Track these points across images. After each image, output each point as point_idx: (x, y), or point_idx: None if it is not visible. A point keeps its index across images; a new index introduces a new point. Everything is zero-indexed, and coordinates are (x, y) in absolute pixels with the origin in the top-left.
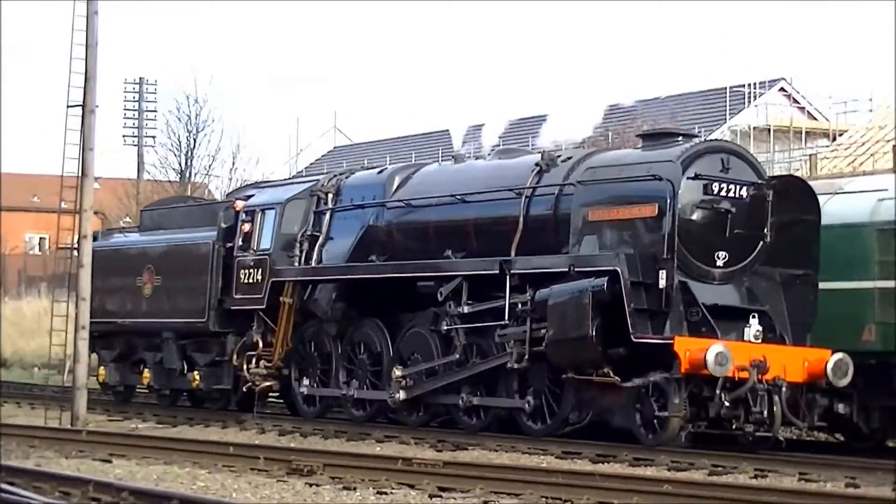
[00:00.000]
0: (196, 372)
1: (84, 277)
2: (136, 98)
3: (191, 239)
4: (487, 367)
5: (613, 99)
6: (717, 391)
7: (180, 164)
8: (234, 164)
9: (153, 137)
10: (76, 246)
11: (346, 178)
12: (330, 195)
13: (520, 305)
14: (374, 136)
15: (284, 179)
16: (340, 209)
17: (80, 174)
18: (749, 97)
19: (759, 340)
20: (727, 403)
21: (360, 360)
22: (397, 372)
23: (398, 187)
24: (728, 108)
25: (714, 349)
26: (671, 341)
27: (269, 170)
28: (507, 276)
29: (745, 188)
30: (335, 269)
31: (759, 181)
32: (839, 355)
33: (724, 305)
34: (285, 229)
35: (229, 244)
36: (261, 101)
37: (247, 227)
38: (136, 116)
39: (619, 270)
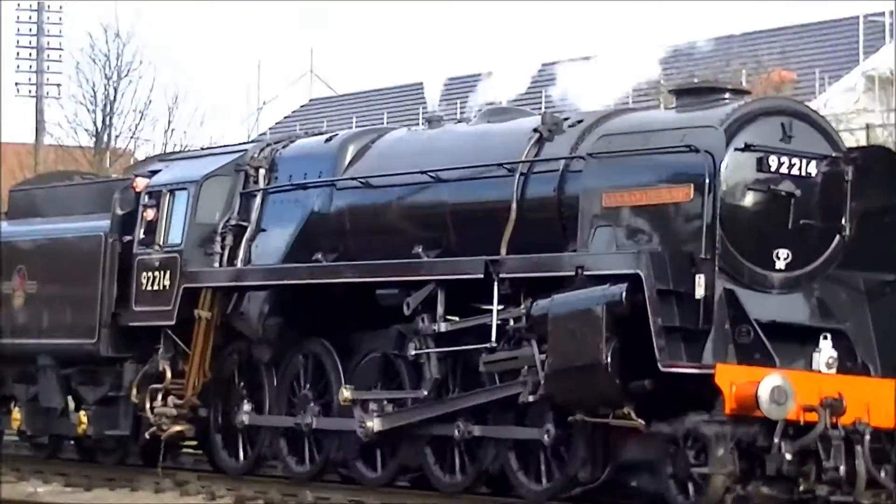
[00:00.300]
0: (83, 412)
1: None
2: (34, 31)
3: (75, 230)
4: (489, 399)
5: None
6: (776, 439)
7: (95, 124)
8: (170, 122)
9: (58, 86)
10: None
11: (284, 147)
12: (262, 171)
13: (512, 322)
14: (366, 83)
15: (203, 149)
16: (275, 190)
17: None
18: (891, 29)
19: (834, 370)
20: (789, 457)
21: (301, 395)
22: (346, 393)
23: (353, 160)
24: (862, 44)
25: (769, 382)
26: (712, 371)
27: (219, 132)
28: (496, 282)
29: (814, 163)
30: (266, 271)
31: (835, 154)
32: None
33: (784, 323)
34: (202, 217)
35: (128, 237)
36: (209, 36)
37: (150, 213)
38: (34, 56)
39: (642, 275)
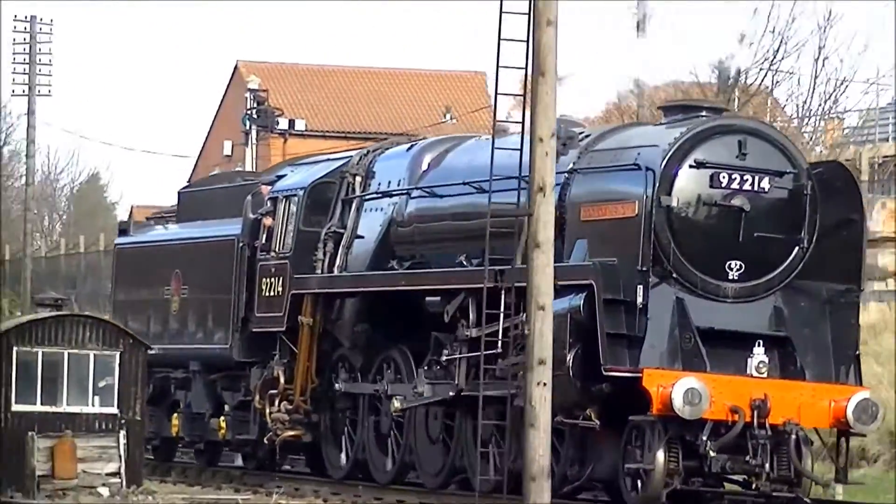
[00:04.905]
0: (222, 417)
1: (540, 268)
2: None
3: (214, 234)
4: (494, 392)
5: None
6: (704, 437)
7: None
8: (821, 49)
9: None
10: (530, 212)
11: (379, 154)
12: (358, 178)
13: (512, 329)
14: None
15: (327, 153)
16: (369, 197)
17: (530, 71)
18: None
19: (765, 374)
20: (713, 453)
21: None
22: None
23: (427, 169)
24: None
25: (682, 384)
26: (639, 374)
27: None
28: (502, 292)
29: (767, 179)
30: (346, 279)
31: (792, 170)
32: (864, 393)
33: (724, 330)
34: (309, 224)
35: (257, 242)
36: None
37: (269, 220)
38: None
39: (594, 285)
